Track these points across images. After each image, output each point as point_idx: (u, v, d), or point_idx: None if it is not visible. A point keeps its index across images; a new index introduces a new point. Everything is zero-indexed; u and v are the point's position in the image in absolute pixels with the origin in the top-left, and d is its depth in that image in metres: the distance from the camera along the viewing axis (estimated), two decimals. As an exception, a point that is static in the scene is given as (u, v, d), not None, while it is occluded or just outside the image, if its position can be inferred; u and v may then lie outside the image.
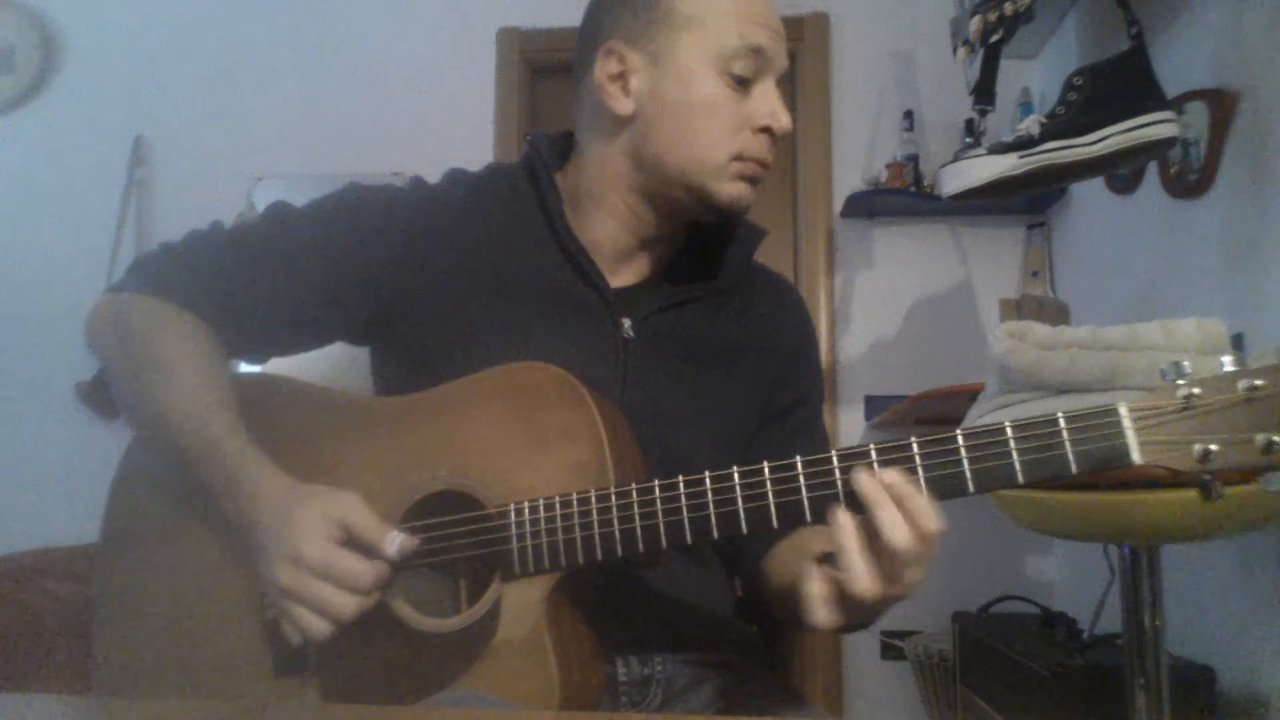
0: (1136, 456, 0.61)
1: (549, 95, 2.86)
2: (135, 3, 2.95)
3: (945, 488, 0.65)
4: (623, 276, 0.94)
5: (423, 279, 0.89)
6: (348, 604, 0.69)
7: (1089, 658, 1.46)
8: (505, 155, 2.74)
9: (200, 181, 2.82)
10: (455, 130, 2.75)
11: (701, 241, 0.99)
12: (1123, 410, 0.61)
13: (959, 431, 0.65)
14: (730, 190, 0.88)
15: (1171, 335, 1.15)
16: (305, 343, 0.92)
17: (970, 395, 1.46)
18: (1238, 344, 1.45)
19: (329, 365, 1.08)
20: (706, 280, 0.95)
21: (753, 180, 0.89)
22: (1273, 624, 1.42)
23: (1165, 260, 1.81)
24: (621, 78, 0.89)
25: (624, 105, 0.88)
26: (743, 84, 0.86)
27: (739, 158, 0.87)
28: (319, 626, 0.70)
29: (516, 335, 0.87)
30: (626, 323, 0.91)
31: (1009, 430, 0.63)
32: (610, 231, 0.93)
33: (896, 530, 0.62)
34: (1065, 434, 0.62)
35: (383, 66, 2.83)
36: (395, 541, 0.71)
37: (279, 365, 0.94)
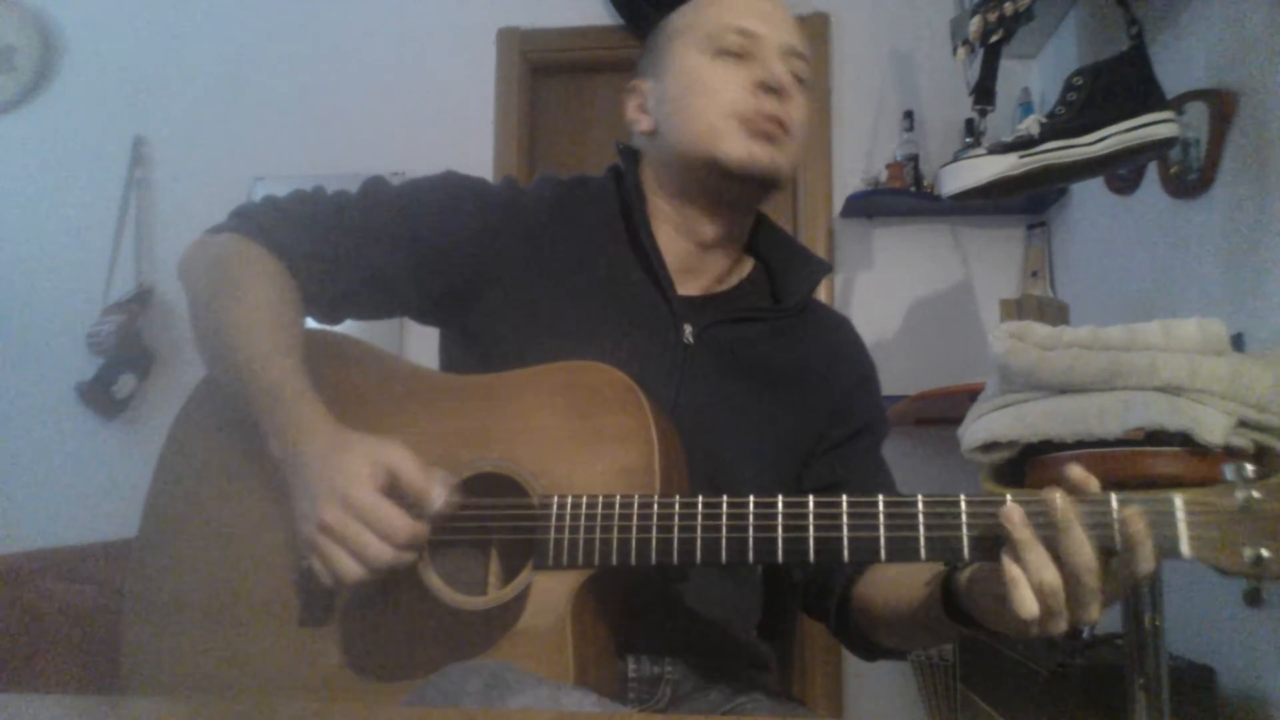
0: (1186, 550, 0.61)
1: (549, 95, 2.86)
2: (135, 3, 2.95)
3: (991, 550, 0.65)
4: (690, 286, 0.97)
5: (499, 265, 0.92)
6: (384, 553, 0.70)
7: (1089, 658, 1.46)
8: (505, 155, 2.74)
9: (200, 181, 2.82)
10: (455, 130, 2.75)
11: (767, 270, 1.03)
12: (1178, 502, 0.61)
13: (1008, 496, 0.65)
14: (738, 149, 0.89)
15: (1171, 335, 1.15)
16: (379, 308, 0.95)
17: (970, 395, 1.46)
18: (1238, 344, 1.45)
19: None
20: (770, 305, 0.99)
21: (766, 137, 0.89)
22: (1273, 624, 1.42)
23: (1165, 260, 1.81)
24: (641, 105, 0.98)
25: (646, 123, 0.97)
26: (736, 58, 0.91)
27: (740, 117, 0.89)
28: (351, 570, 0.70)
29: (579, 329, 0.90)
30: (688, 329, 0.93)
31: (1060, 503, 0.63)
32: (671, 238, 0.96)
33: (1044, 571, 0.61)
34: (1114, 515, 0.62)
35: (383, 66, 2.83)
36: (440, 497, 0.71)
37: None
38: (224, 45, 2.90)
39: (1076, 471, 0.64)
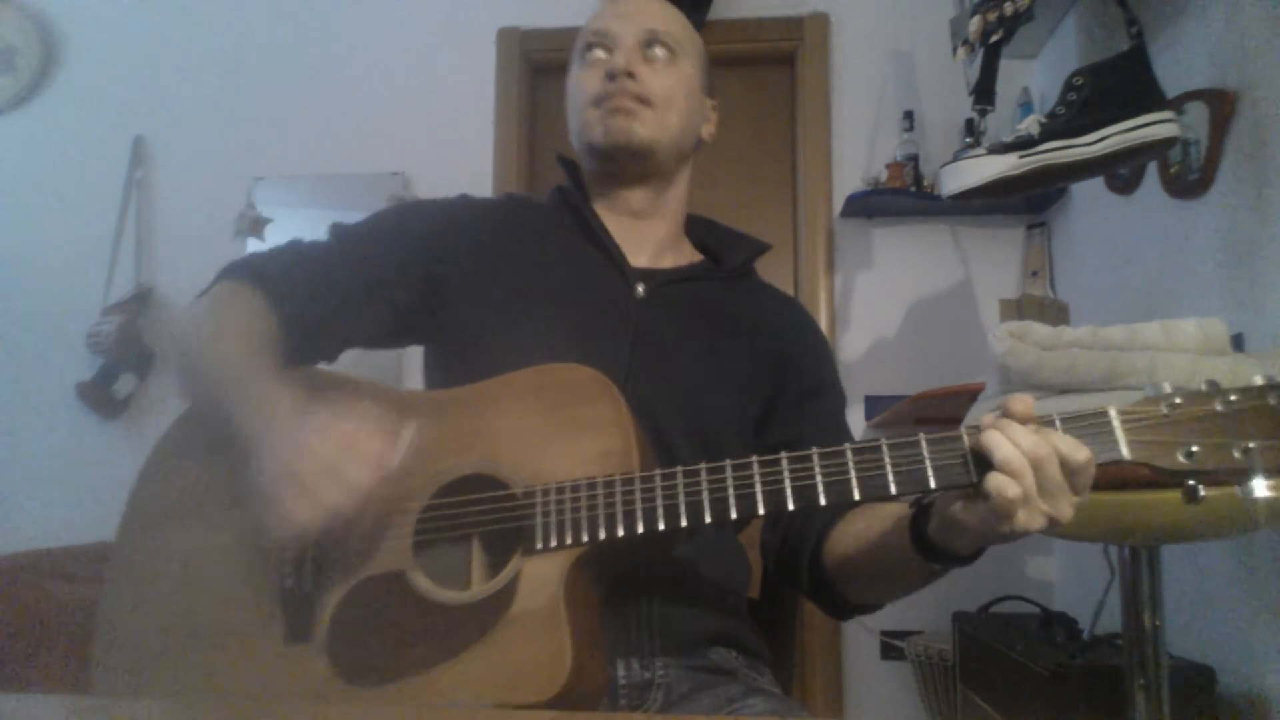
0: (1125, 452, 0.67)
1: (549, 95, 2.86)
2: (135, 3, 2.95)
3: (951, 477, 0.68)
4: (639, 259, 1.04)
5: (468, 261, 0.99)
6: (363, 474, 0.71)
7: (1089, 658, 1.46)
8: (505, 155, 2.74)
9: (200, 181, 2.83)
10: (455, 130, 2.75)
11: (714, 259, 1.11)
12: (1111, 411, 0.67)
13: (963, 428, 0.69)
14: (598, 131, 1.01)
15: (1171, 335, 1.15)
16: (375, 324, 0.98)
17: (970, 395, 1.46)
18: (1238, 344, 1.45)
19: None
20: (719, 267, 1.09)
21: (622, 113, 0.99)
22: (1273, 624, 1.42)
23: (1165, 260, 1.81)
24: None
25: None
26: (597, 58, 1.03)
27: (596, 103, 1.01)
28: (331, 494, 0.70)
29: (538, 305, 0.96)
30: (640, 287, 1.01)
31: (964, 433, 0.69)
32: (610, 216, 1.05)
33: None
34: (1060, 431, 0.68)
35: (383, 66, 2.83)
36: (405, 440, 0.75)
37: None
38: (224, 45, 2.90)
39: (1017, 404, 0.68)
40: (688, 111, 1.05)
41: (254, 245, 2.76)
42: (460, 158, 2.71)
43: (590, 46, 1.04)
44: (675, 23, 1.07)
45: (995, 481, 0.65)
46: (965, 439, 0.68)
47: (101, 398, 2.71)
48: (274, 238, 2.76)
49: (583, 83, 1.04)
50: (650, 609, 0.88)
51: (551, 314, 0.95)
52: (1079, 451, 0.65)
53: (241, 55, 2.89)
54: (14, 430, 2.77)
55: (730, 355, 1.00)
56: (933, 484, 0.69)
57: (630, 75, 1.00)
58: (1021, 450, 0.65)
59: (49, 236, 2.85)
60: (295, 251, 0.98)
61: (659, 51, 1.03)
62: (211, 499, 0.85)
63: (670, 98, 1.03)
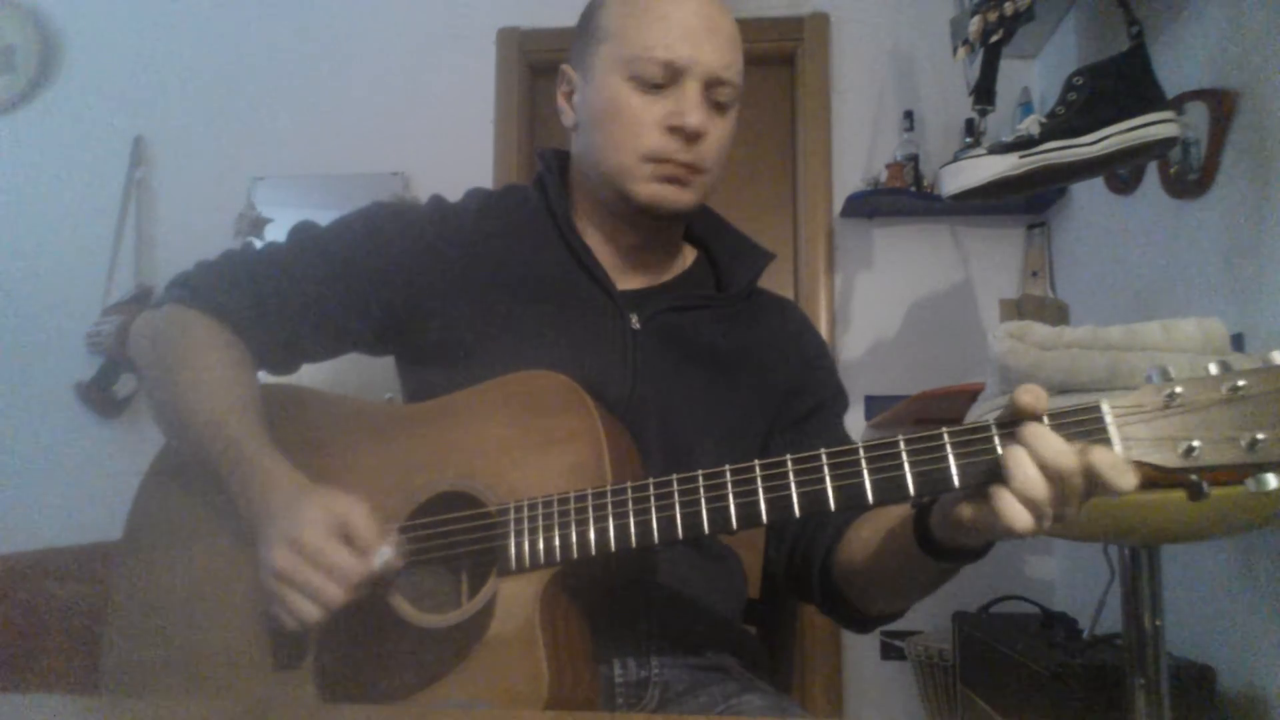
0: (1120, 451, 0.60)
1: (549, 95, 2.85)
2: (135, 3, 2.95)
3: (932, 482, 0.65)
4: (629, 283, 0.98)
5: (436, 281, 0.93)
6: (334, 594, 0.71)
7: (1089, 658, 1.46)
8: (505, 155, 2.74)
9: (200, 181, 2.83)
10: (455, 130, 2.75)
11: (710, 261, 1.04)
12: (1105, 407, 0.61)
13: (944, 430, 0.66)
14: (646, 191, 0.90)
15: (1171, 335, 1.15)
16: (329, 347, 0.95)
17: (970, 395, 1.46)
18: (1238, 344, 1.45)
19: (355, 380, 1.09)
20: (714, 294, 1.01)
21: (673, 180, 0.89)
22: (1273, 624, 1.42)
23: (1165, 260, 1.81)
24: (570, 95, 0.98)
25: (568, 118, 0.98)
26: (656, 88, 0.89)
27: (652, 159, 0.89)
28: (305, 611, 0.72)
29: (529, 332, 0.91)
30: (633, 317, 0.94)
31: (994, 427, 0.64)
32: (598, 241, 0.98)
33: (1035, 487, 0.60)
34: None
35: (383, 66, 2.83)
36: (382, 556, 0.73)
37: (307, 378, 0.97)
38: (224, 45, 2.90)
39: (1025, 398, 0.62)
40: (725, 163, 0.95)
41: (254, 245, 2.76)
42: (460, 158, 2.71)
43: (649, 75, 0.88)
44: (740, 53, 0.93)
45: (1008, 511, 0.60)
46: (997, 441, 0.63)
47: (101, 398, 2.71)
48: (273, 238, 2.76)
49: (636, 118, 0.88)
50: (645, 617, 0.88)
51: (545, 348, 0.89)
52: (1122, 476, 0.59)
53: (241, 55, 2.89)
54: (14, 430, 2.76)
55: (730, 398, 0.96)
56: (913, 492, 0.65)
57: (699, 138, 0.89)
58: (1044, 469, 0.60)
59: (49, 236, 2.85)
60: (247, 271, 0.93)
61: (724, 97, 0.90)
62: (201, 526, 0.85)
63: (721, 158, 0.93)
